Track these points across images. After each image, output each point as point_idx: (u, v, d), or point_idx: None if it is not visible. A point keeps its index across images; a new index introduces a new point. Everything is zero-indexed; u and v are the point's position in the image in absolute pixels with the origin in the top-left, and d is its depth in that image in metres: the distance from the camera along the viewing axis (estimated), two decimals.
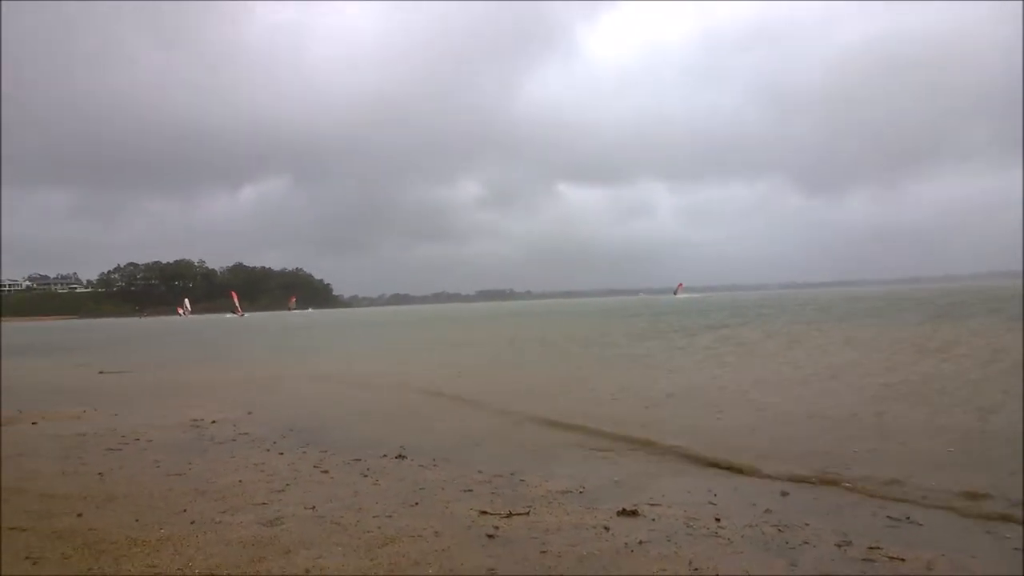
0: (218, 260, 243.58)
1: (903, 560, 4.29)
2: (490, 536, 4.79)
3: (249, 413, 10.79)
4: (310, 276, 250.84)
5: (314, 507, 5.47)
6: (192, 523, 5.10)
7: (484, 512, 5.34)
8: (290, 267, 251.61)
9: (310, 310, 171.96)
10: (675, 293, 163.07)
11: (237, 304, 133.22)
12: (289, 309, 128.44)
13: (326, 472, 6.77)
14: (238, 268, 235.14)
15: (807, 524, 5.07)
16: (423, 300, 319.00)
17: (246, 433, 9.07)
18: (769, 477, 6.55)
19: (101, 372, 20.08)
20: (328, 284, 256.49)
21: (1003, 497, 5.62)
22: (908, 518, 5.20)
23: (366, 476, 6.60)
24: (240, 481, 6.39)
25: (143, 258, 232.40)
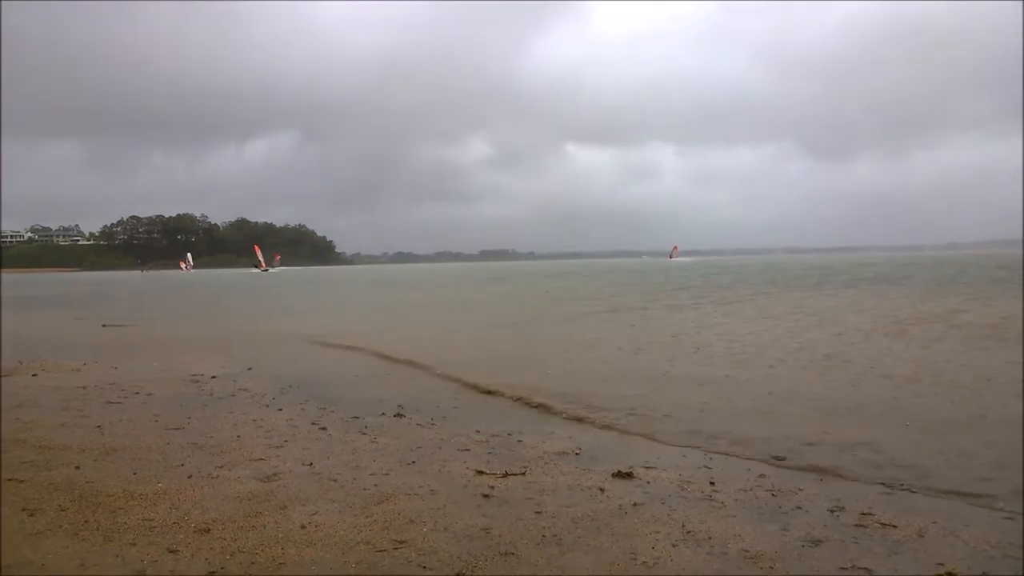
0: (222, 215, 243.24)
1: (895, 527, 4.31)
2: (485, 496, 4.81)
3: (249, 369, 10.84)
4: (312, 233, 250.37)
5: (311, 464, 5.50)
6: (189, 477, 5.13)
7: (480, 472, 5.37)
8: (293, 223, 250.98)
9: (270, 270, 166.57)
10: (670, 256, 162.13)
11: (261, 258, 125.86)
12: (261, 268, 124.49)
13: (324, 429, 6.80)
14: (240, 223, 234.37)
15: (800, 490, 5.09)
16: (426, 259, 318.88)
17: (246, 389, 9.12)
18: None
19: (104, 325, 20.15)
20: (331, 241, 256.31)
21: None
22: (902, 485, 5.22)
23: (364, 434, 6.63)
24: (238, 436, 6.42)
25: (150, 211, 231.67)
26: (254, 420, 7.18)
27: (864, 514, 4.54)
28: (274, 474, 5.22)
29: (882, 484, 5.26)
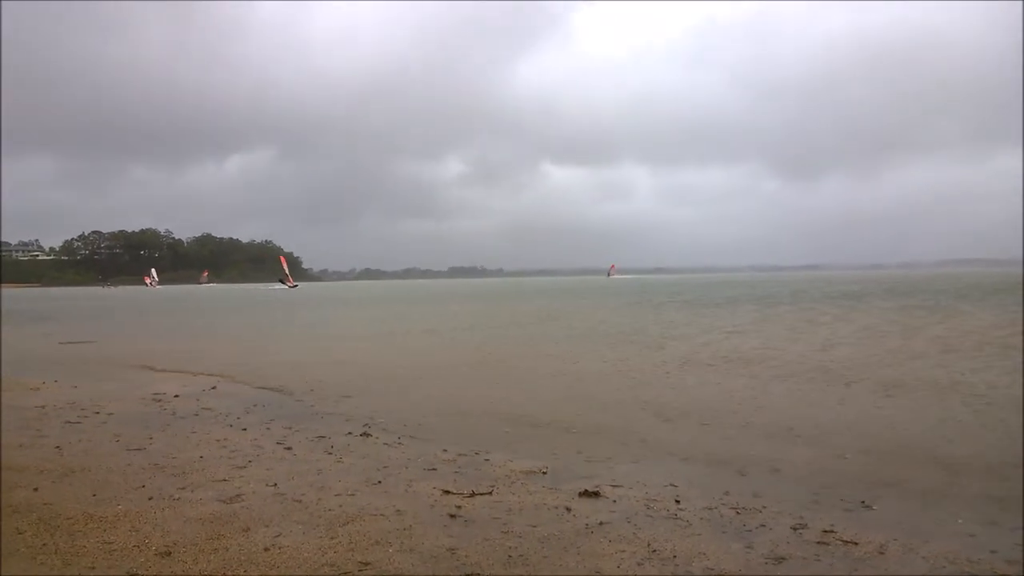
0: (194, 230, 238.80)
1: (856, 544, 4.39)
2: (452, 516, 4.79)
3: (213, 388, 10.65)
4: (279, 248, 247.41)
5: (275, 484, 5.42)
6: (150, 499, 5.02)
7: (447, 491, 5.35)
8: (263, 239, 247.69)
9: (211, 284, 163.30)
10: (608, 275, 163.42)
11: (287, 271, 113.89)
12: (289, 284, 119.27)
13: (289, 449, 6.71)
14: (205, 239, 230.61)
15: (764, 507, 5.16)
16: (394, 276, 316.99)
17: (209, 408, 8.95)
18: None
19: (61, 343, 19.63)
20: (298, 257, 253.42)
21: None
22: (863, 503, 5.32)
23: (330, 453, 6.56)
24: (201, 457, 6.30)
25: (124, 226, 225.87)
26: (218, 440, 7.05)
27: (826, 531, 4.62)
28: (237, 495, 5.13)
29: (842, 501, 5.35)
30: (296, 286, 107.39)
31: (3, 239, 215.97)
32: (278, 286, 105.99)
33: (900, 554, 4.25)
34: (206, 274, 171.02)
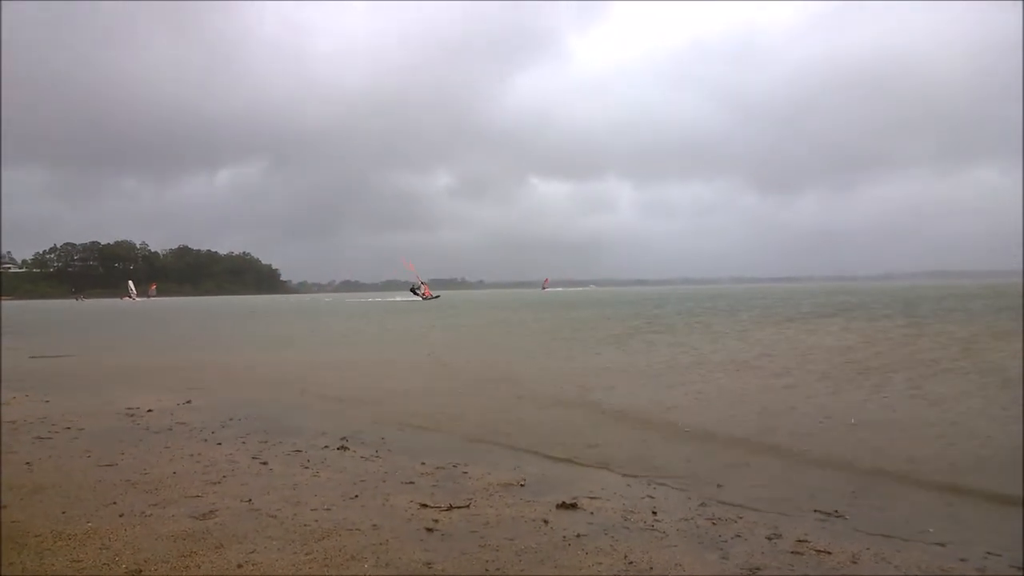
0: (173, 243, 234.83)
1: (829, 553, 4.44)
2: (429, 530, 4.77)
3: (188, 402, 10.50)
4: (257, 261, 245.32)
5: (250, 500, 5.35)
6: (121, 516, 4.93)
7: (424, 505, 5.32)
8: (241, 251, 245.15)
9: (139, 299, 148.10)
10: (542, 288, 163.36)
11: (420, 281, 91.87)
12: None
13: (265, 464, 6.63)
14: (182, 251, 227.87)
15: (740, 517, 5.20)
16: (373, 288, 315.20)
17: (183, 423, 8.82)
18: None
19: (32, 357, 19.24)
20: (276, 269, 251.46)
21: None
22: (837, 512, 5.38)
23: (307, 468, 6.49)
24: (174, 473, 6.21)
25: (108, 238, 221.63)
26: (191, 455, 6.95)
27: (800, 541, 4.67)
28: (211, 511, 5.06)
29: (817, 511, 5.41)
30: (437, 296, 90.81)
31: None
32: (411, 297, 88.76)
33: (872, 563, 4.31)
34: (154, 287, 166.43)
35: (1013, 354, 15.50)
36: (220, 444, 7.53)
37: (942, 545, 4.68)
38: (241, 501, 5.33)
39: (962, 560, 4.38)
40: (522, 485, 6.07)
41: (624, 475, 6.54)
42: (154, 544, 4.37)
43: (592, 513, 5.25)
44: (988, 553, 4.51)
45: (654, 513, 5.27)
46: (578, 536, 4.70)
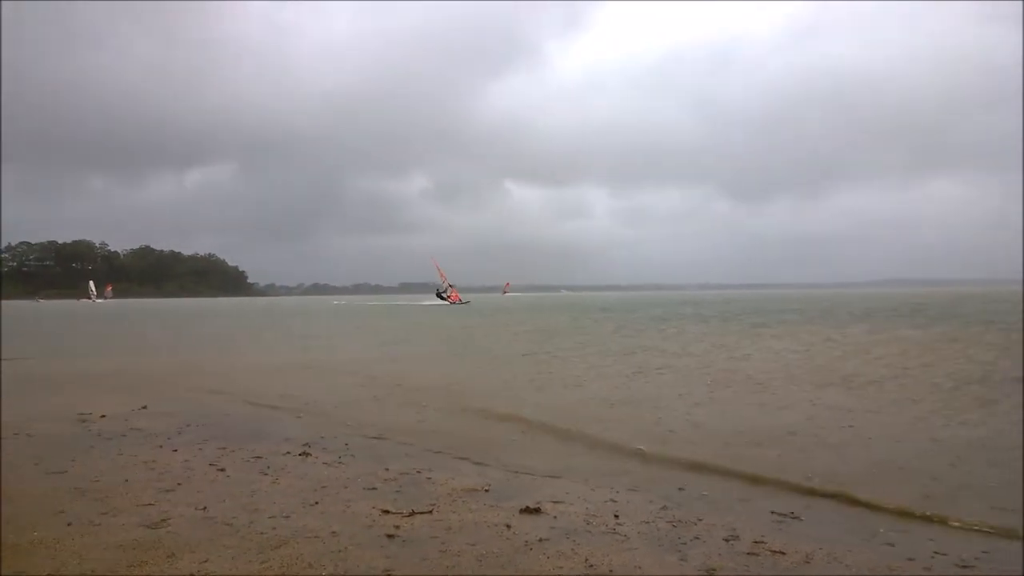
0: (136, 242, 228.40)
1: (784, 553, 4.51)
2: (390, 536, 4.72)
3: (144, 407, 10.24)
4: (223, 262, 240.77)
5: (205, 508, 5.24)
6: (69, 525, 4.79)
7: (386, 511, 5.26)
8: (206, 252, 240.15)
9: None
10: (503, 292, 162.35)
11: (447, 283, 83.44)
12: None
13: (222, 470, 6.50)
14: (144, 251, 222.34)
15: (700, 519, 5.25)
16: (343, 291, 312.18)
17: (138, 428, 8.61)
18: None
19: None
20: (243, 271, 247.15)
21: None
22: (792, 514, 5.47)
23: (266, 474, 6.38)
24: (126, 480, 6.05)
25: (70, 238, 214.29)
26: (145, 462, 6.78)
27: (756, 542, 4.73)
28: (163, 520, 4.94)
29: (773, 512, 5.49)
30: (467, 302, 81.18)
31: None
32: (436, 301, 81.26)
33: (825, 562, 4.39)
34: (110, 288, 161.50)
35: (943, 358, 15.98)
36: (176, 451, 7.35)
37: (891, 545, 4.79)
38: (196, 509, 5.21)
39: (909, 559, 4.48)
40: (486, 490, 6.05)
41: (587, 480, 6.57)
42: (103, 554, 4.25)
43: (555, 517, 5.25)
44: (936, 552, 4.63)
45: (616, 517, 5.30)
46: (540, 540, 4.69)
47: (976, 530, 5.16)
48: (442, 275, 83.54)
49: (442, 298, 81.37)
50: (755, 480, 6.53)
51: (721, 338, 24.34)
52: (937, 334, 24.11)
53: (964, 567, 4.41)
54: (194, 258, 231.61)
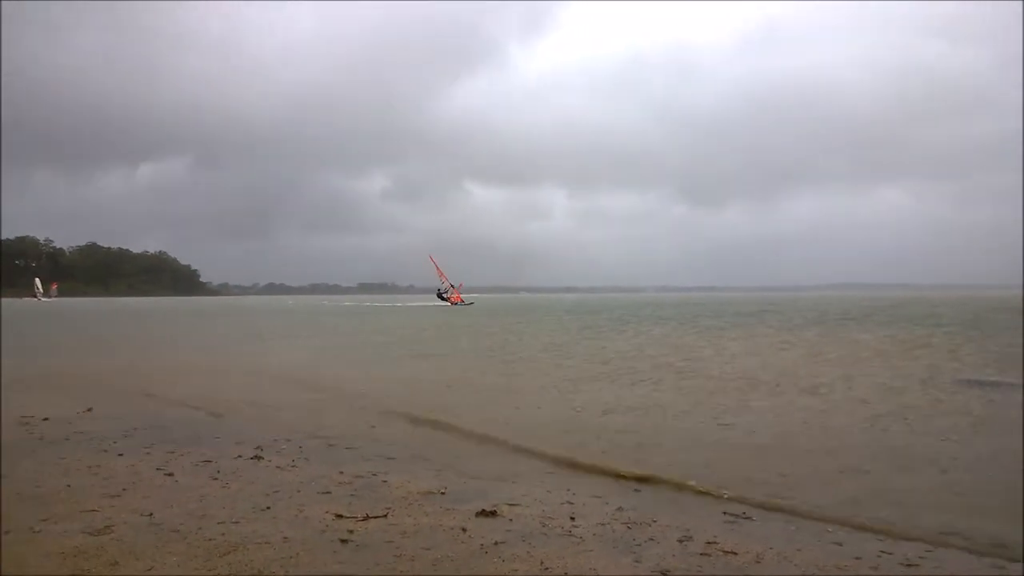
0: (83, 239, 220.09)
1: (736, 554, 4.59)
2: (343, 541, 4.65)
3: (89, 410, 9.90)
4: (174, 260, 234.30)
5: (151, 514, 5.08)
6: (7, 532, 4.60)
7: (340, 515, 5.18)
8: (157, 250, 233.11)
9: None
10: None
11: (448, 282, 78.07)
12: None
13: (170, 475, 6.32)
14: (91, 249, 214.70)
15: (655, 521, 5.30)
16: (300, 291, 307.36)
17: (82, 432, 8.31)
18: None
19: None
20: (195, 270, 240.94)
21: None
22: (744, 514, 5.57)
23: (215, 479, 6.22)
24: (68, 486, 5.83)
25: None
26: (89, 467, 6.55)
27: (709, 543, 4.80)
28: (107, 526, 4.78)
29: (725, 513, 5.58)
30: (471, 303, 76.70)
31: None
32: (438, 302, 76.06)
33: (775, 562, 4.47)
34: (55, 287, 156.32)
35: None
36: (121, 455, 7.12)
37: (839, 544, 4.92)
38: (141, 515, 5.05)
39: (857, 558, 4.60)
40: (443, 493, 6.01)
41: (544, 482, 6.58)
42: (42, 562, 4.09)
43: (511, 520, 5.24)
44: (882, 552, 4.76)
45: (572, 519, 5.31)
46: (496, 544, 4.68)
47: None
48: (441, 275, 78.05)
49: (443, 299, 76.76)
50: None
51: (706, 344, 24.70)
52: (885, 338, 24.89)
53: (909, 565, 4.54)
54: (144, 256, 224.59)
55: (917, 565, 4.55)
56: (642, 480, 6.62)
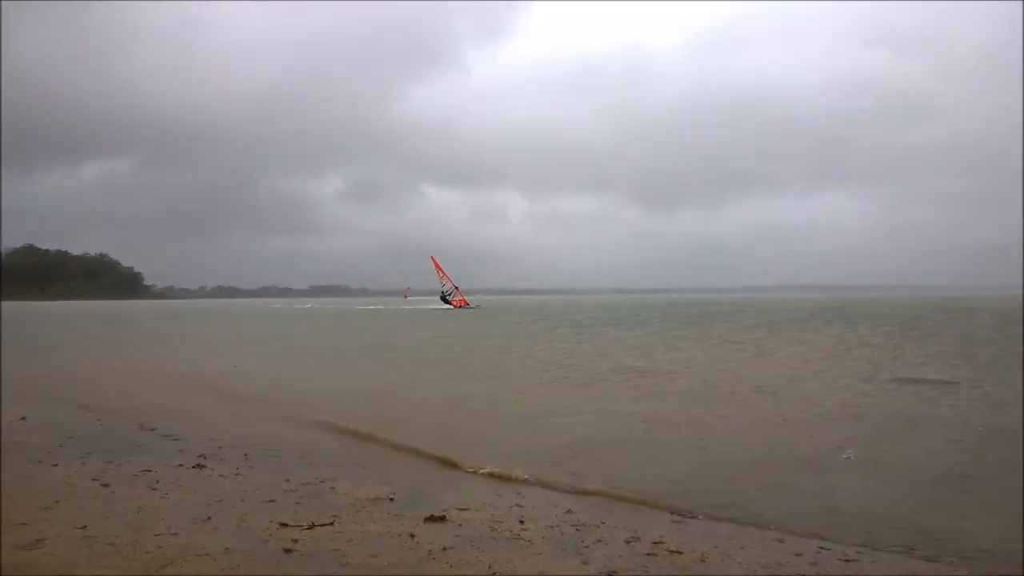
0: (13, 240, 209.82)
1: (681, 553, 4.66)
2: (287, 550, 4.55)
3: (23, 418, 9.48)
4: (117, 263, 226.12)
5: (85, 526, 4.89)
6: None
7: (284, 524, 5.08)
8: (98, 252, 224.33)
9: None
10: (404, 296, 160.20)
11: (452, 282, 71.24)
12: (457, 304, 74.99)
13: (106, 486, 6.09)
14: (27, 251, 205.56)
15: (603, 523, 5.35)
16: (249, 294, 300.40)
17: (16, 441, 7.96)
18: None
19: None
20: (138, 272, 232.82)
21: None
22: (690, 513, 5.67)
23: (154, 489, 6.02)
24: None
25: None
26: (22, 478, 6.27)
27: (656, 543, 4.87)
28: (39, 540, 4.59)
29: (673, 513, 5.68)
30: (477, 307, 71.98)
31: None
32: (442, 305, 69.97)
33: (719, 560, 4.56)
34: None
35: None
36: (56, 465, 6.84)
37: (781, 541, 5.05)
38: (75, 528, 4.86)
39: (797, 555, 4.72)
40: (391, 499, 5.94)
41: (494, 486, 6.58)
42: None
43: (460, 525, 5.22)
44: (820, 548, 4.90)
45: (521, 522, 5.32)
46: (444, 549, 4.65)
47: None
48: (444, 275, 71.14)
49: (446, 302, 70.55)
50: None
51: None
52: (833, 338, 25.65)
53: (847, 560, 4.68)
54: (84, 258, 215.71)
55: (855, 560, 4.69)
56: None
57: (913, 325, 33.65)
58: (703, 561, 4.54)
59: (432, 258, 71.88)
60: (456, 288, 71.21)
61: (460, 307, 69.17)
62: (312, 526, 5.06)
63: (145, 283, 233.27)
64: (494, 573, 4.26)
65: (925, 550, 4.95)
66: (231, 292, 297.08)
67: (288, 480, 6.47)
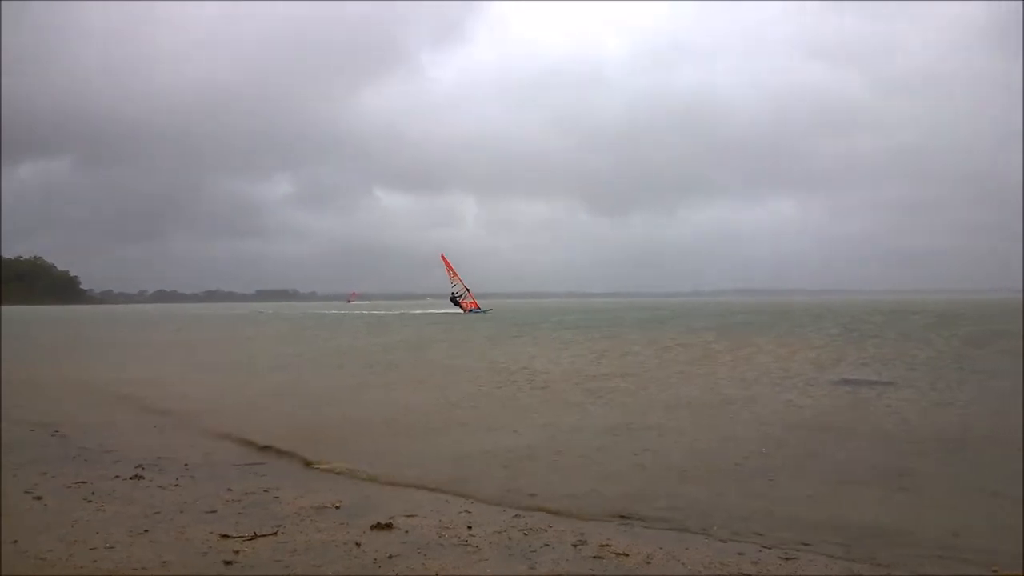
0: None
1: (627, 555, 4.72)
2: (228, 563, 4.44)
3: None
4: (52, 266, 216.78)
5: (15, 541, 4.68)
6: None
7: (225, 536, 4.95)
8: (31, 255, 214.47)
9: None
10: (348, 301, 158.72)
11: (464, 285, 64.99)
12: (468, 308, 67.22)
13: (39, 499, 5.84)
14: None
15: (550, 527, 5.38)
16: (194, 299, 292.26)
17: None
18: None
19: None
20: (75, 277, 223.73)
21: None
22: (637, 515, 5.75)
23: (89, 501, 5.80)
24: None
25: None
26: None
27: (602, 546, 4.92)
28: None
29: (620, 516, 5.75)
30: (489, 311, 65.43)
31: None
32: (452, 309, 64.87)
33: (664, 561, 4.64)
34: None
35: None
36: None
37: (723, 541, 5.17)
38: (5, 543, 4.64)
39: (740, 554, 4.84)
40: (338, 507, 5.86)
41: (443, 492, 6.55)
42: None
43: (407, 532, 5.17)
44: (762, 547, 5.03)
45: (469, 528, 5.31)
46: (390, 557, 4.60)
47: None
48: (455, 275, 65.46)
49: (456, 304, 65.21)
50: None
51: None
52: (774, 339, 26.37)
53: (787, 559, 4.82)
54: (17, 262, 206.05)
55: (795, 558, 4.83)
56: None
57: (852, 327, 34.85)
58: (649, 563, 4.61)
59: (443, 256, 66.45)
60: (468, 290, 65.83)
61: (471, 311, 63.79)
62: (255, 536, 4.95)
63: (82, 287, 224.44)
64: None
65: (862, 548, 5.12)
66: (173, 297, 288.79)
67: (231, 490, 6.32)
